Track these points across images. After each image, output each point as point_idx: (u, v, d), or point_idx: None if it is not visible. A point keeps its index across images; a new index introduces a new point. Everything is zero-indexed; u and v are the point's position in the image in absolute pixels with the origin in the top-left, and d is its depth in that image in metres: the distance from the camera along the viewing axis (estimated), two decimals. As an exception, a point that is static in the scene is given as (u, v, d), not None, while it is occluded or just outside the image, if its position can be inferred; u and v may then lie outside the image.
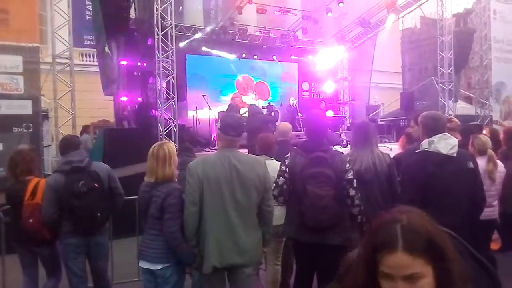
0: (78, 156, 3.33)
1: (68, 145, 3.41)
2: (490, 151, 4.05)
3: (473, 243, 2.58)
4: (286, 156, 3.12)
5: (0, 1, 7.06)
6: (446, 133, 2.81)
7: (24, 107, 7.25)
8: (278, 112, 11.94)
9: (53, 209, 3.21)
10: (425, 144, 2.81)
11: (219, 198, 2.59)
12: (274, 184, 3.02)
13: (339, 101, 16.18)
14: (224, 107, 12.25)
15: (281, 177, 3.06)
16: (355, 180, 2.89)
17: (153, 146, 2.85)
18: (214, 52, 13.61)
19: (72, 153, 3.34)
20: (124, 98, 10.64)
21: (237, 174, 2.60)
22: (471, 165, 2.82)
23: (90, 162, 3.37)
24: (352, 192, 2.87)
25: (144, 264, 2.79)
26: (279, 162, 3.26)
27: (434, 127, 2.85)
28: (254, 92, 14.82)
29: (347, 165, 2.91)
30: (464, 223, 2.71)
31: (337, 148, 7.04)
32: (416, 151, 2.90)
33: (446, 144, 2.74)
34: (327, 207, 2.77)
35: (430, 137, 2.80)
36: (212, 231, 2.60)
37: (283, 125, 4.52)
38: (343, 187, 2.86)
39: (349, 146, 4.08)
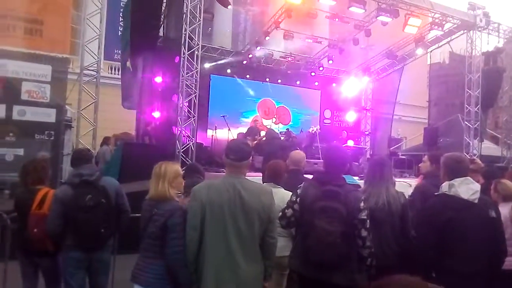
0: (89, 169, 3.33)
1: (79, 158, 3.43)
2: (515, 198, 3.82)
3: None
4: (299, 186, 3.01)
5: (35, 13, 7.39)
6: (468, 177, 2.67)
7: (48, 115, 7.44)
8: (296, 138, 11.83)
9: (58, 221, 3.18)
10: (445, 187, 2.66)
11: (221, 225, 2.51)
12: (280, 213, 2.91)
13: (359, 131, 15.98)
14: (243, 129, 12.26)
15: (290, 208, 2.94)
16: (368, 221, 2.73)
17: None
18: (239, 74, 13.77)
19: (83, 166, 3.34)
20: (143, 113, 10.79)
21: (241, 202, 2.52)
22: (493, 214, 2.65)
23: (99, 177, 3.35)
24: (364, 233, 2.70)
25: (138, 288, 2.69)
26: (287, 192, 3.14)
27: (456, 169, 2.71)
28: (275, 116, 14.82)
29: (362, 204, 2.75)
30: (480, 274, 2.54)
31: (355, 179, 6.86)
32: (436, 194, 2.75)
33: (468, 189, 2.59)
34: (334, 244, 2.62)
35: (451, 179, 2.66)
36: (211, 258, 2.51)
37: (296, 154, 4.27)
38: (354, 226, 2.71)
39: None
